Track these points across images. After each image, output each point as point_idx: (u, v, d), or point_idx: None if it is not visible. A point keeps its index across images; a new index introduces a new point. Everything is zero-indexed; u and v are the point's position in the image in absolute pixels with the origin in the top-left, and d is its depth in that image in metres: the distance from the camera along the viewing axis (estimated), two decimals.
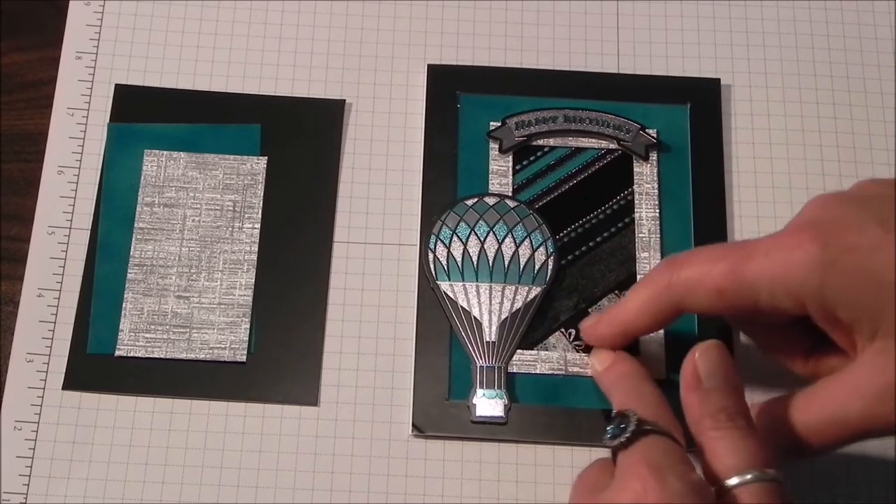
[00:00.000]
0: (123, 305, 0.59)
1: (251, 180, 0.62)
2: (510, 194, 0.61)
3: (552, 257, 0.60)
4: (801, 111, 0.64)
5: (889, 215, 0.47)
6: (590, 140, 0.62)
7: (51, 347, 0.59)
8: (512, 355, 0.58)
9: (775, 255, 0.48)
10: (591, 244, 0.60)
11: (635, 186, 0.61)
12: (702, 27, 0.66)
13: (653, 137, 0.62)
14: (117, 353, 0.58)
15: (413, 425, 0.57)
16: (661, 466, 0.44)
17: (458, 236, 0.60)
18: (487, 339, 0.58)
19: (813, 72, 0.65)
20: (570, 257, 0.60)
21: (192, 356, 0.58)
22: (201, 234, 0.61)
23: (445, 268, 0.60)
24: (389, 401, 0.58)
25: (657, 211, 0.61)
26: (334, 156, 0.63)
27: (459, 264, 0.60)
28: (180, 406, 0.58)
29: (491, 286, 0.59)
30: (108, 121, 0.63)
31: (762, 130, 0.64)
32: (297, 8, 0.66)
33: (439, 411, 0.57)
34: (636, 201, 0.61)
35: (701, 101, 0.63)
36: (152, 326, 0.59)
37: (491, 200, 0.61)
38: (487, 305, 0.59)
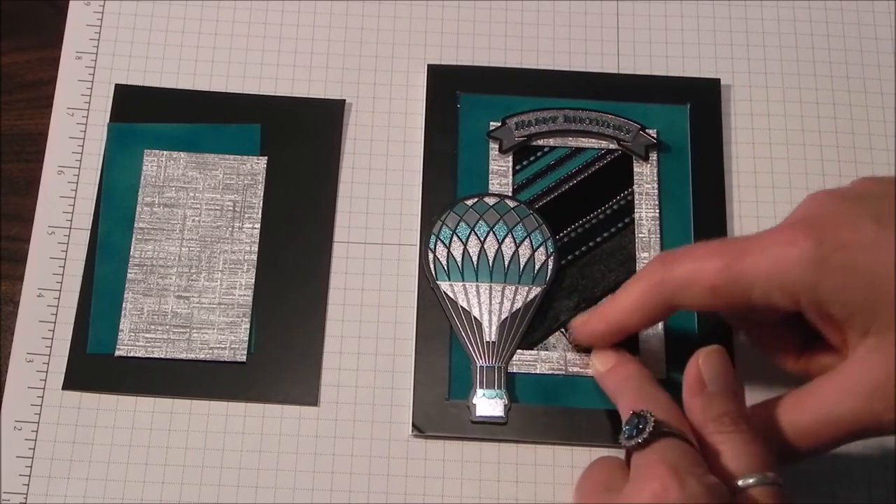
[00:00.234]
0: (123, 305, 0.59)
1: (251, 180, 0.62)
2: (510, 194, 0.61)
3: (552, 257, 0.60)
4: (801, 111, 0.64)
5: (884, 212, 0.47)
6: (590, 140, 0.62)
7: (51, 347, 0.59)
8: (512, 355, 0.58)
9: (769, 252, 0.48)
10: (591, 244, 0.60)
11: (635, 186, 0.61)
12: (702, 27, 0.66)
13: (653, 137, 0.62)
14: (117, 353, 0.58)
15: (413, 425, 0.57)
16: (679, 468, 0.44)
17: (458, 236, 0.60)
18: (487, 339, 0.58)
19: (813, 72, 0.65)
20: (570, 257, 0.60)
21: (192, 356, 0.58)
22: (201, 234, 0.61)
23: (445, 268, 0.60)
24: (389, 401, 0.58)
25: (657, 211, 0.61)
26: (334, 156, 0.63)
27: (459, 264, 0.60)
28: (180, 406, 0.58)
29: (491, 286, 0.59)
30: (108, 121, 0.63)
31: (762, 130, 0.64)
32: (297, 8, 0.66)
33: (439, 411, 0.57)
34: (636, 201, 0.61)
35: (701, 101, 0.63)
36: (152, 326, 0.59)
37: (491, 200, 0.61)
38: (487, 305, 0.59)
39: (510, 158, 0.62)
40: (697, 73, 0.65)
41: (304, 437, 0.57)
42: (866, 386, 0.47)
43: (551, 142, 0.62)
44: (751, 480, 0.46)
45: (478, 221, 0.60)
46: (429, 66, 0.64)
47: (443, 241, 0.60)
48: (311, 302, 0.60)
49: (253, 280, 0.60)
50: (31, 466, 0.56)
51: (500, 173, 0.62)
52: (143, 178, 0.61)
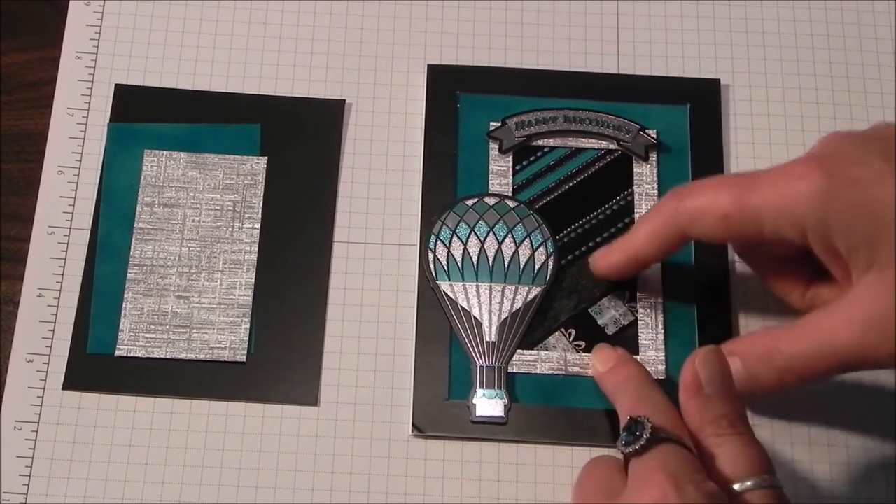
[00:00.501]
0: (123, 305, 0.59)
1: (251, 180, 0.62)
2: (510, 194, 0.61)
3: (552, 257, 0.60)
4: (801, 111, 0.64)
5: (893, 152, 0.47)
6: (590, 140, 0.62)
7: (51, 347, 0.59)
8: (512, 355, 0.58)
9: (781, 185, 0.49)
10: (591, 244, 0.60)
11: (635, 187, 0.61)
12: (702, 27, 0.66)
13: (652, 138, 0.62)
14: (117, 353, 0.58)
15: (413, 425, 0.57)
16: (678, 475, 0.44)
17: (458, 236, 0.60)
18: (487, 339, 0.58)
19: (813, 72, 0.65)
20: (570, 257, 0.60)
21: (192, 356, 0.58)
22: (201, 234, 0.61)
23: (445, 268, 0.60)
24: (389, 401, 0.58)
25: None
26: (334, 156, 0.63)
27: (459, 264, 0.60)
28: (180, 406, 0.58)
29: (491, 286, 0.59)
30: (108, 121, 0.63)
31: (762, 130, 0.64)
32: (297, 8, 0.66)
33: (439, 411, 0.57)
34: (636, 202, 0.61)
35: (701, 101, 0.63)
36: (152, 326, 0.59)
37: (491, 200, 0.61)
38: (487, 305, 0.59)
39: (510, 158, 0.62)
40: (697, 73, 0.65)
41: (304, 437, 0.57)
42: (864, 318, 0.47)
43: (551, 142, 0.62)
44: (749, 483, 0.46)
45: (478, 221, 0.60)
46: (429, 66, 0.64)
47: (443, 241, 0.60)
48: (311, 302, 0.60)
49: (253, 280, 0.60)
50: (31, 466, 0.56)
51: (500, 173, 0.62)
52: (143, 178, 0.61)
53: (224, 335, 0.59)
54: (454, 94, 0.63)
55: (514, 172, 0.62)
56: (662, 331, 0.58)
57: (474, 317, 0.58)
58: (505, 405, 0.57)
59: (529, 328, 0.59)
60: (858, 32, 0.66)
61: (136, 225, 0.61)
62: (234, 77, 0.64)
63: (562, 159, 0.62)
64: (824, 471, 0.57)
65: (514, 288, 0.59)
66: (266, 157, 0.62)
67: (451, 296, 0.59)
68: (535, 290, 0.59)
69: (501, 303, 0.59)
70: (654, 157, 0.62)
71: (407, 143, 0.63)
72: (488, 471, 0.57)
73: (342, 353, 0.59)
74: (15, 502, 0.56)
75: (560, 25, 0.66)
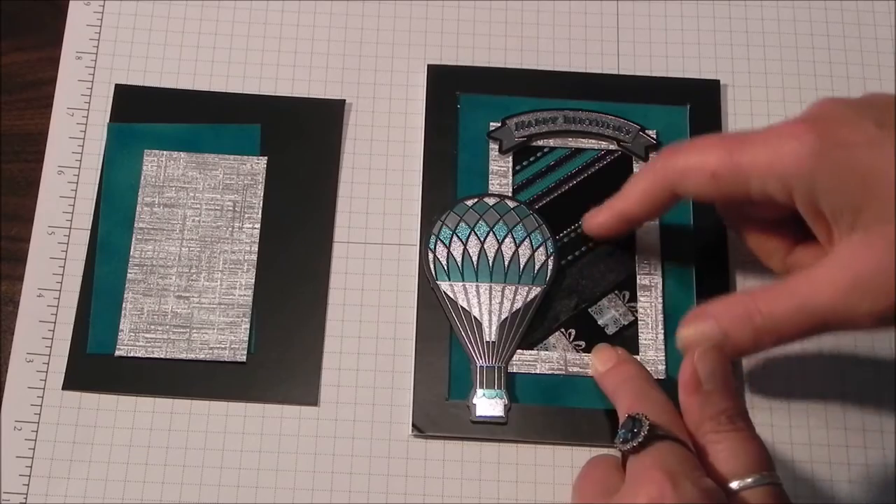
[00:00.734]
0: (123, 305, 0.59)
1: (251, 180, 0.62)
2: (510, 195, 0.61)
3: (552, 257, 0.60)
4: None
5: (887, 118, 0.48)
6: (589, 141, 0.62)
7: (51, 347, 0.59)
8: (512, 355, 0.58)
9: (771, 144, 0.49)
10: (590, 244, 0.60)
11: None
12: (702, 27, 0.66)
13: (652, 138, 0.62)
14: (117, 353, 0.58)
15: (413, 425, 0.57)
16: (675, 472, 0.44)
17: (458, 236, 0.60)
18: (487, 339, 0.58)
19: (813, 72, 0.65)
20: (569, 257, 0.60)
21: (192, 356, 0.58)
22: (201, 234, 0.61)
23: (445, 268, 0.60)
24: (389, 401, 0.58)
25: None
26: (334, 156, 0.63)
27: (459, 264, 0.60)
28: (180, 406, 0.58)
29: (491, 286, 0.59)
30: (108, 121, 0.63)
31: None
32: (297, 8, 0.66)
33: (439, 411, 0.57)
34: None
35: (701, 102, 0.63)
36: (152, 326, 0.59)
37: (491, 201, 0.61)
38: (487, 305, 0.59)
39: (510, 159, 0.62)
40: (697, 73, 0.65)
41: (304, 437, 0.57)
42: (844, 279, 0.47)
43: (551, 142, 0.62)
44: (749, 480, 0.46)
45: (478, 222, 0.60)
46: (429, 66, 0.64)
47: (443, 241, 0.60)
48: (311, 302, 0.60)
49: (253, 280, 0.60)
50: (31, 466, 0.57)
51: (500, 173, 0.62)
52: (143, 178, 0.61)
53: (224, 335, 0.59)
54: (454, 94, 0.63)
55: (514, 173, 0.62)
56: (662, 331, 0.59)
57: (474, 317, 0.58)
58: (505, 405, 0.57)
59: (529, 328, 0.59)
60: (858, 32, 0.66)
61: (136, 225, 0.61)
62: (234, 77, 0.64)
63: (562, 160, 0.62)
64: (824, 471, 0.57)
65: (514, 288, 0.59)
66: (266, 157, 0.62)
67: (451, 296, 0.59)
68: (535, 290, 0.59)
69: (501, 303, 0.59)
70: (654, 157, 0.62)
71: (407, 143, 0.63)
72: (488, 471, 0.57)
73: (342, 353, 0.59)
74: (15, 502, 0.56)
75: (560, 25, 0.66)
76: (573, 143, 0.62)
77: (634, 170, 0.62)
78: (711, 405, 0.48)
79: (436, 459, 0.57)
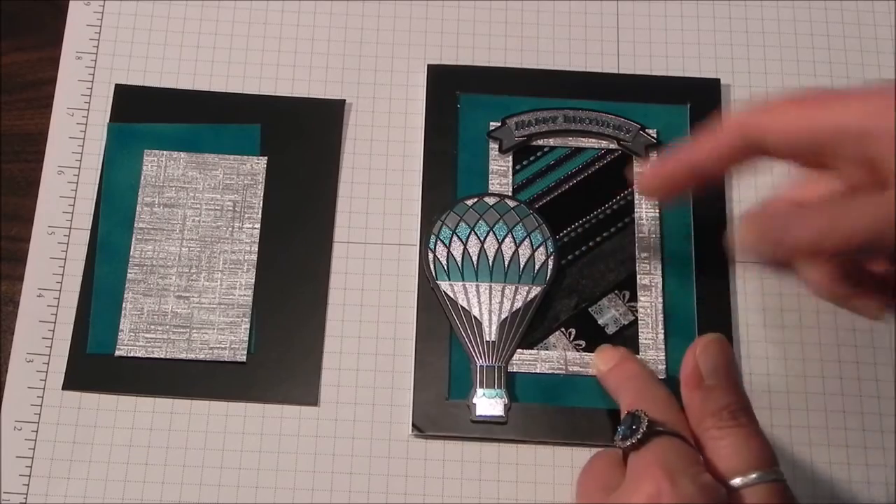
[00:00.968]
0: (123, 305, 0.59)
1: (251, 180, 0.62)
2: (510, 194, 0.61)
3: (552, 257, 0.60)
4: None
5: None
6: (590, 140, 0.62)
7: (51, 347, 0.59)
8: (512, 355, 0.58)
9: (853, 101, 0.46)
10: (591, 244, 0.60)
11: (635, 186, 0.61)
12: (702, 27, 0.66)
13: (653, 137, 0.62)
14: (117, 353, 0.58)
15: (413, 425, 0.57)
16: (673, 469, 0.44)
17: (458, 236, 0.60)
18: (487, 339, 0.58)
19: (813, 72, 0.65)
20: (570, 257, 0.60)
21: (192, 356, 0.58)
22: (201, 234, 0.61)
23: (445, 268, 0.60)
24: (389, 401, 0.58)
25: (657, 211, 0.61)
26: (334, 156, 0.63)
27: (459, 264, 0.60)
28: (180, 406, 0.58)
29: (491, 286, 0.59)
30: (108, 121, 0.63)
31: None
32: (297, 8, 0.66)
33: (439, 411, 0.57)
34: (636, 201, 0.61)
35: (701, 101, 0.63)
36: (152, 326, 0.59)
37: (491, 200, 0.61)
38: (487, 305, 0.59)
39: (510, 158, 0.62)
40: (697, 73, 0.65)
41: (304, 437, 0.57)
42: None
43: (551, 142, 0.62)
44: (752, 477, 0.45)
45: (478, 221, 0.60)
46: (429, 66, 0.64)
47: (443, 241, 0.60)
48: (311, 302, 0.60)
49: (253, 280, 0.60)
50: (31, 466, 0.57)
51: (500, 173, 0.62)
52: (143, 178, 0.61)
53: (224, 335, 0.59)
54: (454, 94, 0.63)
55: (514, 172, 0.62)
56: (662, 330, 0.58)
57: (474, 316, 0.58)
58: (505, 405, 0.57)
59: (529, 328, 0.59)
60: (858, 32, 0.66)
61: (136, 225, 0.61)
62: (234, 77, 0.64)
63: (562, 159, 0.62)
64: (824, 471, 0.57)
65: (514, 287, 0.59)
66: (266, 157, 0.62)
67: (451, 295, 0.59)
68: (535, 290, 0.59)
69: (501, 302, 0.59)
70: (654, 156, 0.62)
71: (407, 143, 0.63)
72: (488, 471, 0.57)
73: (342, 353, 0.59)
74: (15, 502, 0.56)
75: (560, 25, 0.66)
76: (573, 142, 0.62)
77: (634, 168, 0.62)
78: (713, 401, 0.48)
79: (436, 459, 0.57)
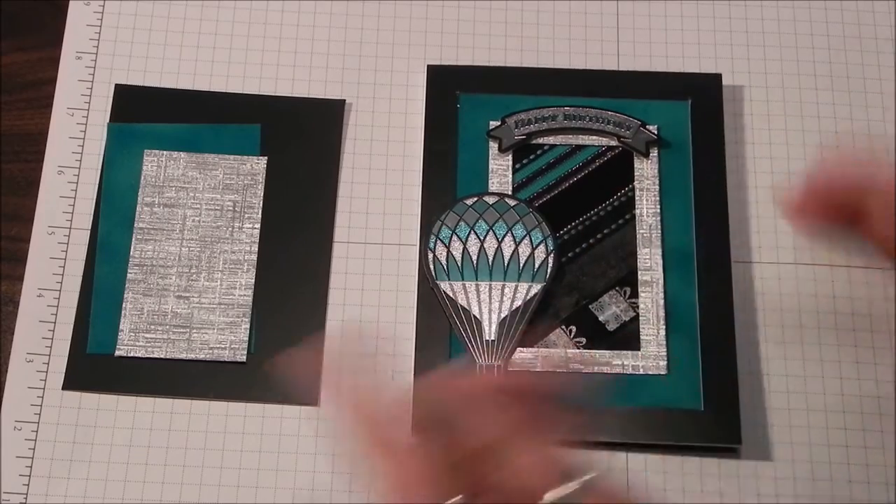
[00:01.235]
0: (123, 305, 0.59)
1: (251, 180, 0.62)
2: (510, 193, 0.61)
3: (552, 255, 0.60)
4: (801, 111, 0.64)
5: None
6: (590, 137, 0.62)
7: (51, 347, 0.59)
8: (512, 353, 0.58)
9: None
10: (591, 241, 0.60)
11: (636, 183, 0.61)
12: (701, 27, 0.66)
13: (653, 134, 0.62)
14: (117, 353, 0.58)
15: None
16: None
17: (457, 236, 0.60)
18: (487, 338, 0.58)
19: (813, 71, 0.65)
20: (570, 254, 0.60)
21: (192, 356, 0.58)
22: (201, 234, 0.61)
23: (445, 267, 0.59)
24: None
25: (658, 207, 0.61)
26: (334, 156, 0.63)
27: (459, 264, 0.59)
28: (180, 406, 0.58)
29: (490, 284, 0.59)
30: (108, 121, 0.63)
31: (762, 130, 0.64)
32: (297, 8, 0.66)
33: None
34: (637, 198, 0.61)
35: (702, 97, 0.63)
36: (152, 326, 0.59)
37: (490, 199, 0.61)
38: (487, 304, 0.59)
39: (509, 157, 0.62)
40: (698, 71, 0.65)
41: (304, 437, 0.57)
42: None
43: (551, 140, 0.62)
44: None
45: (477, 221, 0.60)
46: (429, 66, 0.64)
47: (442, 241, 0.60)
48: (311, 302, 0.60)
49: (253, 280, 0.60)
50: (31, 466, 0.56)
51: (500, 172, 0.62)
52: (143, 178, 0.61)
53: (224, 335, 0.59)
54: (454, 93, 0.63)
55: (514, 171, 0.62)
56: (664, 326, 0.58)
57: (474, 315, 0.58)
58: None
59: (530, 326, 0.58)
60: (858, 32, 0.66)
61: (136, 225, 0.61)
62: (234, 77, 0.64)
63: (562, 157, 0.62)
64: (824, 470, 0.57)
65: (513, 286, 0.59)
66: (266, 157, 0.62)
67: (451, 295, 0.59)
68: (535, 288, 0.59)
69: (501, 301, 0.59)
70: (654, 153, 0.62)
71: (407, 143, 0.63)
72: None
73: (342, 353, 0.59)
74: (15, 502, 0.56)
75: (560, 25, 0.66)
76: (573, 140, 0.62)
77: (635, 166, 0.62)
78: None
79: None
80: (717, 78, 0.64)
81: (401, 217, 0.62)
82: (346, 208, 0.62)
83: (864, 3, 0.67)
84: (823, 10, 0.67)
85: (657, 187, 0.61)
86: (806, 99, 0.64)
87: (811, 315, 0.60)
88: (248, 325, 0.59)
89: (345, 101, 0.64)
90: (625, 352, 0.58)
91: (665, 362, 0.58)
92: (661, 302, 0.59)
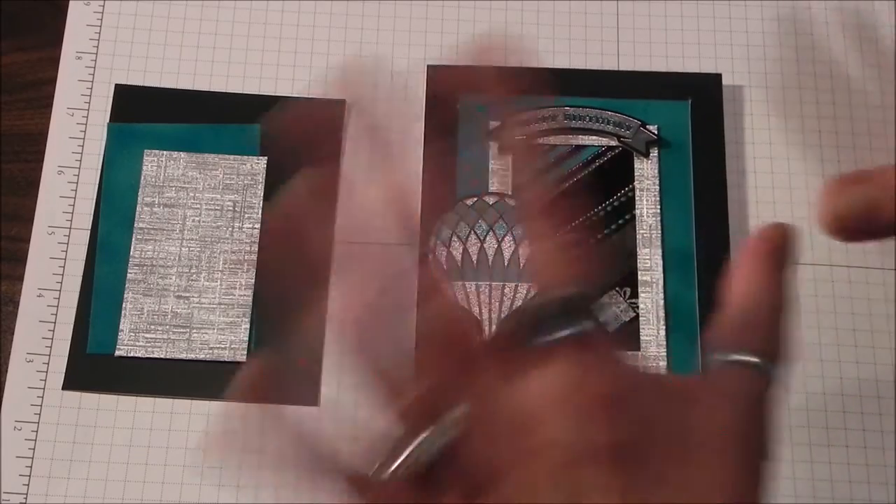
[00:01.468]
0: (123, 305, 0.59)
1: (251, 180, 0.62)
2: (510, 193, 0.61)
3: None
4: (801, 111, 0.64)
5: None
6: (590, 137, 0.62)
7: (51, 347, 0.59)
8: None
9: None
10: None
11: (636, 183, 0.61)
12: (702, 27, 0.66)
13: (653, 134, 0.62)
14: (117, 353, 0.58)
15: None
16: None
17: (457, 236, 0.60)
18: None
19: (813, 71, 0.65)
20: None
21: (192, 356, 0.58)
22: (201, 234, 0.61)
23: (445, 268, 0.59)
24: None
25: (658, 207, 0.61)
26: (334, 156, 0.62)
27: (459, 264, 0.59)
28: (180, 406, 0.58)
29: (490, 285, 0.59)
30: (108, 121, 0.63)
31: (762, 130, 0.64)
32: (297, 8, 0.66)
33: None
34: (637, 198, 0.61)
35: (702, 96, 0.63)
36: (152, 326, 0.59)
37: (490, 199, 0.61)
38: (487, 304, 0.59)
39: (510, 158, 0.62)
40: (698, 71, 0.65)
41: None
42: None
43: (551, 140, 0.62)
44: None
45: (477, 221, 0.60)
46: (429, 66, 0.64)
47: (442, 242, 0.60)
48: (311, 302, 0.60)
49: (253, 280, 0.60)
50: (31, 466, 0.56)
51: (501, 172, 0.62)
52: (143, 178, 0.61)
53: (224, 335, 0.59)
54: (454, 94, 0.63)
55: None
56: (664, 327, 0.58)
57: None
58: None
59: None
60: (858, 32, 0.66)
61: (136, 225, 0.61)
62: (234, 77, 0.64)
63: (562, 157, 0.62)
64: (824, 471, 0.57)
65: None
66: (266, 158, 0.62)
67: None
68: None
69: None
70: (654, 153, 0.62)
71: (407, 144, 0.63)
72: None
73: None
74: (15, 502, 0.56)
75: (560, 25, 0.66)
76: (573, 140, 0.62)
77: (635, 166, 0.62)
78: None
79: None
80: (717, 78, 0.64)
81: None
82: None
83: (865, 3, 0.67)
84: (823, 10, 0.67)
85: (657, 187, 0.61)
86: (806, 99, 0.64)
87: (811, 315, 0.60)
88: (248, 325, 0.59)
89: (345, 101, 0.64)
90: (625, 352, 0.58)
91: (665, 362, 0.58)
92: (661, 302, 0.59)
